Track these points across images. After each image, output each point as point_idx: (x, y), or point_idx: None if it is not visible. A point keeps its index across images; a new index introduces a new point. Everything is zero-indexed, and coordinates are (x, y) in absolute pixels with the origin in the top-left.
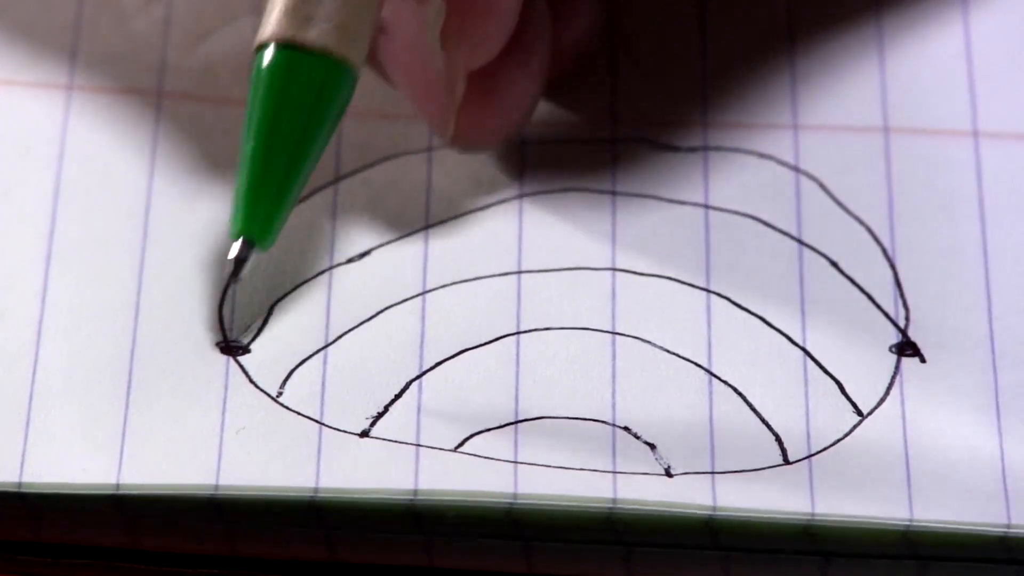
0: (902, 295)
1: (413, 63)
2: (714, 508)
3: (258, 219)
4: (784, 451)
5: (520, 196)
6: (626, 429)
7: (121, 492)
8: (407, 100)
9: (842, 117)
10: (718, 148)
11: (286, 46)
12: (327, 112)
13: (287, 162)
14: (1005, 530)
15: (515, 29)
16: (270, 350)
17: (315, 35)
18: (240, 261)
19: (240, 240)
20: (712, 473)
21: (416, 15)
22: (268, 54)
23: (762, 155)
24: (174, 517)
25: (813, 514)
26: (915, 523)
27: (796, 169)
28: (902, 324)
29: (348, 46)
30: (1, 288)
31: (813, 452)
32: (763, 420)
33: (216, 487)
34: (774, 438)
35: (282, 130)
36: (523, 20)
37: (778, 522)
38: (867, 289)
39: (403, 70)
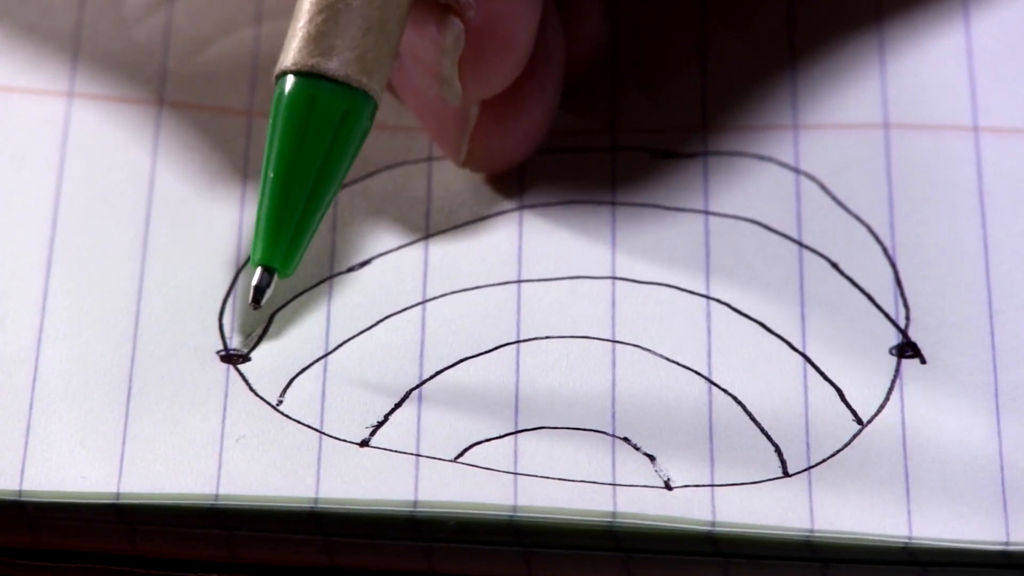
0: (902, 294)
1: (427, 90)
2: (713, 523)
3: (279, 249)
4: (784, 463)
5: (520, 207)
6: (626, 440)
7: (121, 501)
8: (419, 124)
9: (842, 115)
10: (718, 152)
11: (307, 75)
12: (348, 142)
13: (308, 192)
14: (1004, 545)
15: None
16: (270, 358)
17: (336, 65)
18: (260, 289)
19: (260, 269)
20: (712, 486)
21: (434, 43)
22: (289, 83)
23: (762, 157)
24: (174, 523)
25: (812, 531)
26: (914, 539)
27: (796, 170)
28: (902, 324)
29: (369, 76)
30: (1, 295)
31: (813, 463)
32: (763, 430)
33: (216, 496)
34: (774, 449)
35: (303, 160)
36: (537, 45)
37: (778, 537)
38: (867, 289)
39: (416, 96)
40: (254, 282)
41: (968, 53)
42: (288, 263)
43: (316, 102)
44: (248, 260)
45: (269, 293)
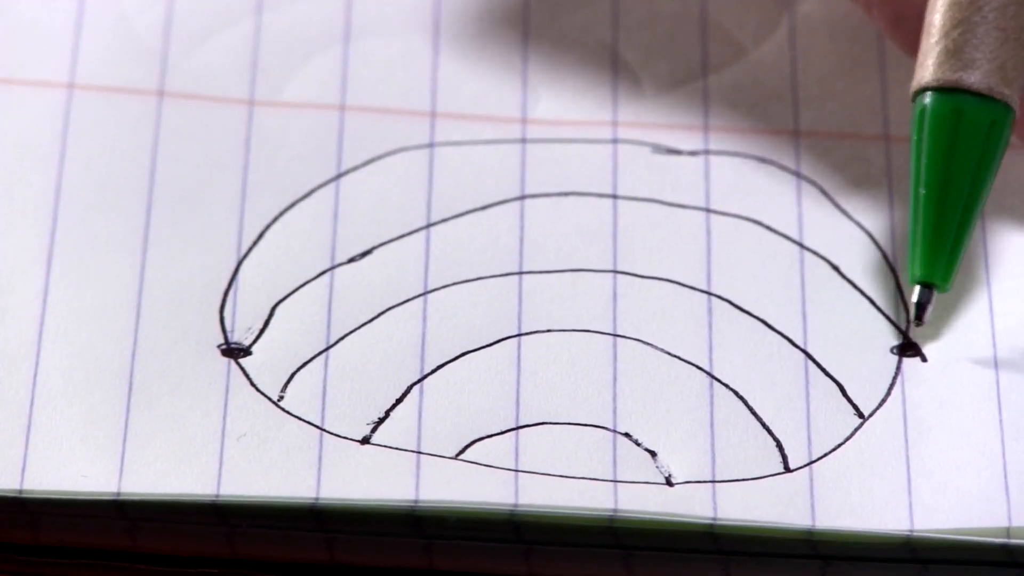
0: (903, 299)
1: None
2: (714, 519)
3: (938, 264)
4: (785, 458)
5: (522, 197)
6: (627, 435)
7: (122, 499)
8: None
9: (843, 124)
10: (719, 152)
11: (950, 90)
12: (994, 154)
13: (961, 207)
14: (1006, 539)
15: None
16: (271, 352)
17: (978, 78)
18: (922, 306)
19: (920, 286)
20: (713, 482)
21: None
22: (933, 99)
23: (763, 160)
24: (175, 519)
25: (813, 527)
26: (916, 533)
27: (797, 174)
28: (903, 326)
29: (1010, 86)
30: (1, 289)
31: (814, 458)
32: (764, 425)
33: (217, 496)
34: (775, 444)
35: (953, 175)
36: None
37: (779, 533)
38: (869, 293)
39: None
40: (914, 299)
41: None
42: (947, 278)
43: (962, 116)
44: (248, 252)
45: (931, 310)
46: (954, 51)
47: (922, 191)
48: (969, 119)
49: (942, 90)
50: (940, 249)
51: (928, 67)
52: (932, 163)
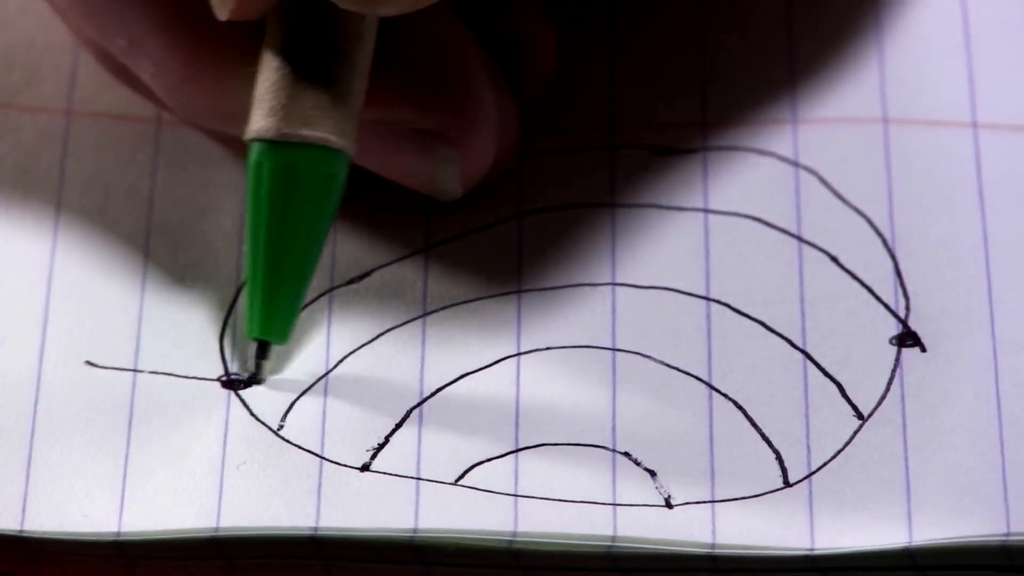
0: (902, 285)
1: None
2: (713, 545)
3: (274, 322)
4: (784, 471)
5: (520, 213)
6: (626, 455)
7: (122, 539)
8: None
9: (841, 109)
10: (717, 148)
11: (280, 142)
12: (328, 202)
13: (297, 262)
14: (1004, 539)
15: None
16: (271, 380)
17: (307, 126)
18: (261, 361)
19: (258, 343)
20: (712, 502)
21: (427, 169)
22: (263, 149)
23: (761, 151)
24: (174, 555)
25: (813, 548)
26: (915, 543)
27: (795, 164)
28: (902, 315)
29: (342, 134)
30: (1, 317)
31: (814, 469)
32: (763, 436)
33: (216, 529)
34: (775, 456)
35: (288, 229)
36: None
37: (778, 556)
38: (867, 281)
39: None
40: (252, 357)
41: (967, 48)
42: (284, 335)
43: (294, 167)
44: (244, 282)
45: (270, 365)
46: (286, 100)
47: (258, 248)
48: (301, 170)
49: (274, 141)
50: (276, 309)
51: (258, 116)
52: (271, 219)
